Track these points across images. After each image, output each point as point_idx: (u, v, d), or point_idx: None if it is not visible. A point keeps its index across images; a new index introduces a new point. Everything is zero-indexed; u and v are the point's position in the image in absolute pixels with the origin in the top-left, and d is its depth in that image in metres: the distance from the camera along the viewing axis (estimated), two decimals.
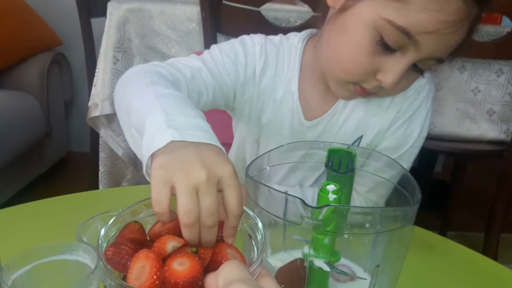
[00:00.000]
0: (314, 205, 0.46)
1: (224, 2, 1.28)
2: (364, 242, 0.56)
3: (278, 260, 0.55)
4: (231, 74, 0.75)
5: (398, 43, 0.63)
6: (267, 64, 0.78)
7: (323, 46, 0.74)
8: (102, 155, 1.53)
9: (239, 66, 0.76)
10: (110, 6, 1.36)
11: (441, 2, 0.60)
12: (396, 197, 0.56)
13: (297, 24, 1.31)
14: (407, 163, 0.81)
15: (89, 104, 1.42)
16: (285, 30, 0.84)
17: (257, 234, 0.43)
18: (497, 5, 1.23)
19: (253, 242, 0.44)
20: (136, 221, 0.45)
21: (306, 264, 0.52)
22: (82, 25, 1.79)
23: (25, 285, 0.49)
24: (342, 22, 0.69)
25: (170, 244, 0.40)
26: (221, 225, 0.44)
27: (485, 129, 1.41)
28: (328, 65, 0.73)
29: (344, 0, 0.68)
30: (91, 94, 1.43)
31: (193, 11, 1.34)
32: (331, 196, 0.50)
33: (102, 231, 0.42)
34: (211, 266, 0.40)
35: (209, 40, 1.30)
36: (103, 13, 1.39)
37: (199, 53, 0.78)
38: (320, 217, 0.45)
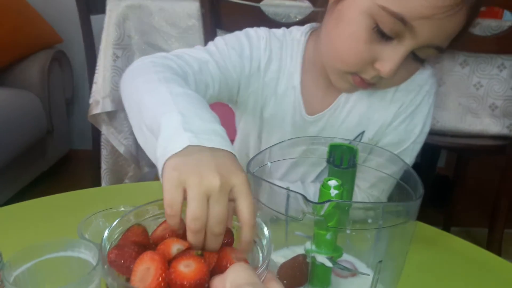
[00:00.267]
0: (316, 201, 0.46)
1: None
2: (367, 237, 0.55)
3: (280, 256, 0.55)
4: (237, 66, 0.75)
5: (393, 30, 0.62)
6: (271, 58, 0.78)
7: (322, 38, 0.74)
8: (104, 152, 1.53)
9: (245, 59, 0.76)
10: (110, 3, 1.35)
11: None
12: (399, 192, 0.55)
13: (297, 19, 1.30)
14: (409, 158, 0.81)
15: (90, 101, 1.42)
16: (285, 26, 0.84)
17: (262, 239, 0.43)
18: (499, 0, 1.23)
19: (258, 247, 0.43)
20: (139, 224, 0.45)
21: (308, 260, 0.51)
22: (82, 22, 1.78)
23: (27, 282, 0.49)
24: (338, 12, 0.69)
25: (175, 246, 0.40)
26: (222, 257, 0.42)
27: (488, 124, 1.41)
28: (327, 56, 0.73)
29: None
30: (92, 91, 1.42)
31: (193, 7, 1.34)
32: (333, 192, 0.49)
33: (106, 233, 0.42)
34: (216, 270, 0.40)
35: (209, 36, 1.29)
36: (103, 10, 1.38)
37: None
38: (322, 212, 0.44)
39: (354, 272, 0.57)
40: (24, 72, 2.13)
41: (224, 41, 0.76)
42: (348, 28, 0.67)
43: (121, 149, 1.47)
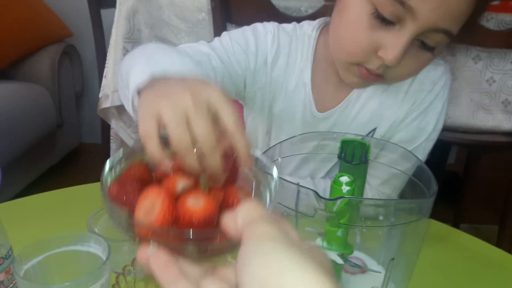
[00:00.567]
0: (326, 197, 0.45)
1: None
2: (378, 234, 0.55)
3: None
4: (241, 62, 0.75)
5: (393, 14, 0.60)
6: (279, 53, 0.77)
7: (330, 32, 0.73)
8: (113, 146, 1.53)
9: (250, 54, 0.75)
10: None
11: None
12: (411, 189, 0.54)
13: (308, 13, 1.29)
14: (421, 156, 0.79)
15: (100, 95, 1.42)
16: (296, 20, 0.83)
17: (270, 180, 0.40)
18: None
19: (265, 188, 0.41)
20: (142, 160, 0.41)
21: None
22: (92, 16, 1.78)
23: (37, 276, 0.49)
24: (342, 3, 0.68)
25: (181, 183, 0.38)
26: (226, 161, 0.40)
27: (500, 120, 1.39)
28: (333, 48, 0.72)
29: None
30: (102, 85, 1.42)
31: (203, 1, 1.33)
32: (345, 188, 0.49)
33: (106, 168, 0.39)
34: (222, 208, 0.37)
35: (219, 30, 1.29)
36: (113, 4, 1.38)
37: None
38: (334, 209, 0.44)
39: (364, 269, 0.56)
40: (34, 66, 2.14)
41: (229, 36, 0.76)
42: (349, 17, 0.66)
43: (130, 143, 1.47)
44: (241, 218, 0.32)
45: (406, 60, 0.64)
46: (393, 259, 0.48)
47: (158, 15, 1.36)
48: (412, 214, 0.48)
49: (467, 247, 0.76)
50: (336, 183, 0.50)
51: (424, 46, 0.64)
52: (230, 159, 0.41)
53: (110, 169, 0.39)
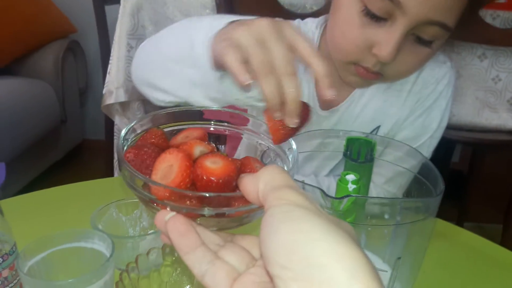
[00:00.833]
0: (331, 194, 0.45)
1: None
2: (383, 233, 0.54)
3: None
4: None
5: (383, 9, 0.60)
6: None
7: (327, 31, 0.72)
8: (117, 142, 1.53)
9: None
10: None
11: None
12: (418, 187, 0.54)
13: (313, 10, 1.28)
14: (425, 154, 0.79)
15: (104, 91, 1.42)
16: (300, 17, 0.82)
17: (288, 153, 0.40)
18: None
19: (281, 160, 0.40)
20: (158, 127, 0.41)
21: None
22: (96, 12, 1.78)
23: (41, 272, 0.49)
24: (336, 2, 0.68)
25: (198, 148, 0.37)
26: (245, 164, 0.39)
27: (505, 118, 1.38)
28: (330, 48, 0.71)
29: None
30: (106, 81, 1.42)
31: None
32: (351, 186, 0.48)
33: (123, 132, 0.39)
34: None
35: None
36: (117, 0, 1.38)
37: None
38: (341, 208, 0.43)
39: None
40: (38, 62, 2.14)
41: None
42: (342, 16, 0.66)
43: None
44: (264, 182, 0.30)
45: (403, 56, 0.63)
46: (399, 258, 0.48)
47: (163, 12, 1.36)
48: (419, 213, 0.47)
49: (471, 246, 0.76)
50: (342, 181, 0.49)
51: (420, 41, 0.63)
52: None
53: (126, 133, 0.39)
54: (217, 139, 0.44)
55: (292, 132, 0.41)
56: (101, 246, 0.51)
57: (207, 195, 0.32)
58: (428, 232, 0.49)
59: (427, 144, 0.79)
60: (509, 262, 0.72)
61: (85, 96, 2.55)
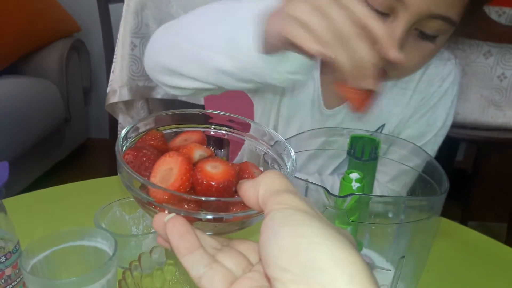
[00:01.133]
0: (334, 193, 0.44)
1: None
2: (387, 232, 0.54)
3: None
4: None
5: (384, 5, 0.59)
6: None
7: None
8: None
9: None
10: None
11: None
12: (422, 186, 0.54)
13: None
14: (430, 152, 0.78)
15: (108, 90, 1.42)
16: None
17: (287, 160, 0.40)
18: None
19: (280, 167, 0.41)
20: (158, 129, 0.41)
21: None
22: (100, 11, 1.78)
23: (44, 270, 0.49)
24: None
25: (198, 152, 0.37)
26: (243, 170, 0.39)
27: (511, 116, 1.37)
28: None
29: None
30: (110, 80, 1.43)
31: None
32: (355, 185, 0.48)
33: (122, 133, 0.39)
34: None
35: None
36: None
37: None
38: (344, 206, 0.43)
39: (373, 267, 0.55)
40: (42, 61, 2.14)
41: None
42: None
43: None
44: (264, 187, 0.30)
45: (407, 52, 0.62)
46: (403, 257, 0.47)
47: (167, 10, 1.36)
48: (423, 211, 0.47)
49: (475, 245, 0.75)
50: (345, 179, 0.49)
51: (424, 36, 0.62)
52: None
53: (126, 134, 0.39)
54: (216, 143, 0.44)
55: (373, 95, 0.40)
56: (104, 244, 0.51)
57: (207, 199, 0.32)
58: (432, 231, 0.49)
59: (432, 142, 0.79)
60: None
61: (89, 95, 2.55)
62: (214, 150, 0.41)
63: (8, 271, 0.49)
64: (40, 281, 0.45)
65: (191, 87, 0.64)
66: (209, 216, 0.32)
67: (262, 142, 0.43)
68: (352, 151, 0.56)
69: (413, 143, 0.59)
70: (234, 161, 0.71)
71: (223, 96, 0.73)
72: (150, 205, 0.34)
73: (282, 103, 0.79)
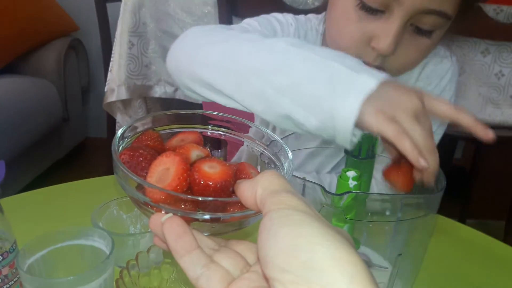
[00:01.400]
0: (332, 192, 0.44)
1: None
2: (384, 230, 0.54)
3: None
4: None
5: (378, 1, 0.59)
6: None
7: (326, 28, 0.72)
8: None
9: None
10: None
11: None
12: (419, 184, 0.54)
13: (315, 5, 1.28)
14: None
15: (105, 89, 1.42)
16: (303, 13, 0.82)
17: (284, 161, 0.40)
18: None
19: (278, 168, 0.40)
20: (154, 129, 0.41)
21: None
22: (98, 10, 1.78)
23: (41, 270, 0.49)
24: None
25: (195, 152, 0.37)
26: (240, 170, 0.39)
27: (509, 114, 1.37)
28: (329, 45, 0.70)
29: None
30: (107, 79, 1.42)
31: None
32: (351, 183, 0.48)
33: (118, 133, 0.38)
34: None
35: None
36: None
37: None
38: (341, 204, 0.43)
39: (370, 265, 0.55)
40: (40, 60, 2.14)
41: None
42: (338, 11, 0.65)
43: None
44: (262, 187, 0.30)
45: (404, 48, 0.62)
46: (400, 254, 0.47)
47: (164, 9, 1.36)
48: (420, 209, 0.47)
49: (473, 243, 0.75)
50: (342, 177, 0.49)
51: (420, 31, 0.62)
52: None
53: (122, 134, 0.38)
54: (213, 143, 0.44)
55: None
56: (101, 243, 0.51)
57: (204, 199, 0.32)
58: (429, 228, 0.49)
59: None
60: None
61: (87, 95, 2.55)
62: (211, 151, 0.41)
63: (5, 271, 0.49)
64: (37, 281, 0.45)
65: (228, 105, 0.59)
66: (207, 217, 0.32)
67: (259, 142, 0.43)
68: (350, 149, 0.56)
69: None
70: (231, 162, 0.71)
71: None
72: (147, 206, 0.34)
73: None
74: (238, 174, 0.38)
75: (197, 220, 0.33)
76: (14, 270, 0.50)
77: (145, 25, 1.37)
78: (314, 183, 0.44)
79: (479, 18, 1.20)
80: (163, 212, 0.32)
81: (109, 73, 1.42)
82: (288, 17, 0.77)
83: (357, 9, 0.61)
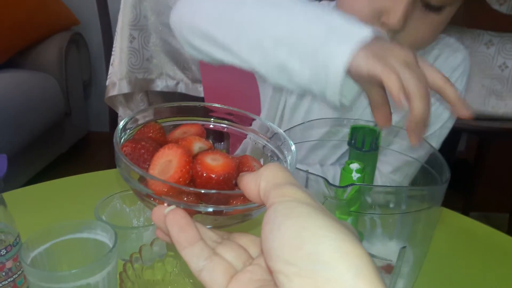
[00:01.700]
0: (336, 184, 0.44)
1: None
2: (388, 222, 0.54)
3: None
4: None
5: None
6: None
7: (336, 7, 0.71)
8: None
9: None
10: None
11: None
12: (423, 176, 0.53)
13: None
14: (435, 144, 0.78)
15: (107, 83, 1.42)
16: None
17: (287, 154, 0.39)
18: None
19: (281, 160, 0.40)
20: (157, 121, 0.41)
21: None
22: (98, 4, 1.77)
23: (44, 263, 0.49)
24: None
25: (197, 145, 0.37)
26: (243, 163, 0.39)
27: None
28: None
29: None
30: (109, 73, 1.42)
31: None
32: (355, 175, 0.48)
33: (120, 125, 0.38)
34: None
35: None
36: None
37: None
38: (344, 196, 0.43)
39: (374, 257, 0.55)
40: (41, 55, 2.13)
41: None
42: None
43: None
44: (266, 180, 0.30)
45: (414, 24, 0.62)
46: (404, 247, 0.47)
47: (164, 1, 1.35)
48: (424, 201, 0.47)
49: (477, 235, 0.75)
50: (346, 170, 0.49)
51: (430, 7, 0.62)
52: None
53: (124, 125, 0.38)
54: (215, 136, 0.43)
55: None
56: (104, 236, 0.51)
57: (207, 191, 0.32)
58: (434, 221, 0.49)
59: (437, 135, 0.78)
60: None
61: (89, 89, 2.55)
62: (213, 144, 0.41)
63: (8, 264, 0.49)
64: (41, 274, 0.45)
65: (225, 60, 0.61)
66: (209, 209, 0.32)
67: (262, 135, 0.43)
68: (353, 141, 0.55)
69: None
70: (234, 155, 0.71)
71: (227, 87, 0.73)
72: (149, 198, 0.33)
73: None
74: (240, 167, 0.37)
75: (199, 212, 0.32)
76: (18, 264, 0.50)
77: (146, 18, 1.36)
78: (317, 175, 0.44)
79: (483, 9, 1.19)
80: (165, 204, 0.32)
81: (110, 67, 1.42)
82: None
83: None
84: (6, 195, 0.53)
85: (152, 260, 0.51)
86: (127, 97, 1.44)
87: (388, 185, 0.74)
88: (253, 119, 0.43)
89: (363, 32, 0.49)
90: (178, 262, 0.53)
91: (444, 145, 0.80)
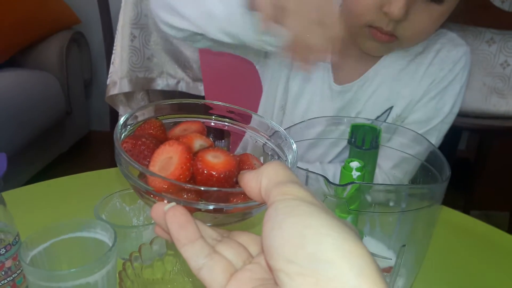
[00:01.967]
0: (336, 182, 0.44)
1: None
2: (388, 220, 0.54)
3: None
4: None
5: None
6: None
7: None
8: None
9: None
10: None
11: None
12: (423, 174, 0.53)
13: None
14: (435, 139, 0.78)
15: (108, 82, 1.42)
16: None
17: (288, 154, 0.39)
18: None
19: (279, 158, 0.40)
20: (157, 118, 0.40)
21: None
22: (99, 2, 1.77)
23: (44, 262, 0.49)
24: None
25: (198, 142, 0.37)
26: (243, 161, 0.39)
27: None
28: (345, 15, 0.71)
29: None
30: (110, 72, 1.42)
31: None
32: (355, 174, 0.48)
33: (121, 121, 0.38)
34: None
35: None
36: None
37: None
38: (344, 195, 0.43)
39: (374, 256, 0.55)
40: (42, 54, 2.13)
41: None
42: None
43: None
44: (267, 178, 0.29)
45: (416, 15, 0.64)
46: (404, 245, 0.47)
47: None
48: (424, 199, 0.47)
49: (478, 234, 0.75)
50: (346, 168, 0.49)
51: None
52: None
53: (125, 122, 0.38)
54: (216, 134, 0.43)
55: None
56: (103, 235, 0.51)
57: (207, 189, 0.32)
58: (434, 219, 0.49)
59: (438, 129, 0.78)
60: None
61: (90, 88, 2.54)
62: (214, 141, 0.41)
63: (8, 263, 0.49)
64: (40, 273, 0.45)
65: (184, 28, 0.66)
66: (210, 207, 0.32)
67: (262, 133, 0.43)
68: (353, 140, 0.55)
69: (415, 131, 0.58)
70: (235, 153, 0.71)
71: (227, 80, 0.73)
72: (149, 195, 0.33)
73: (291, 78, 0.79)
74: (241, 165, 0.37)
75: (199, 210, 0.32)
76: (17, 263, 0.50)
77: (146, 17, 1.36)
78: (317, 174, 0.44)
79: (484, 7, 1.18)
80: (165, 201, 0.32)
81: (111, 65, 1.41)
82: None
83: None
84: (6, 194, 0.53)
85: (152, 259, 0.51)
86: (128, 96, 1.44)
87: (388, 181, 0.74)
88: (254, 117, 0.43)
89: None
90: (178, 261, 0.53)
91: (444, 144, 0.80)
